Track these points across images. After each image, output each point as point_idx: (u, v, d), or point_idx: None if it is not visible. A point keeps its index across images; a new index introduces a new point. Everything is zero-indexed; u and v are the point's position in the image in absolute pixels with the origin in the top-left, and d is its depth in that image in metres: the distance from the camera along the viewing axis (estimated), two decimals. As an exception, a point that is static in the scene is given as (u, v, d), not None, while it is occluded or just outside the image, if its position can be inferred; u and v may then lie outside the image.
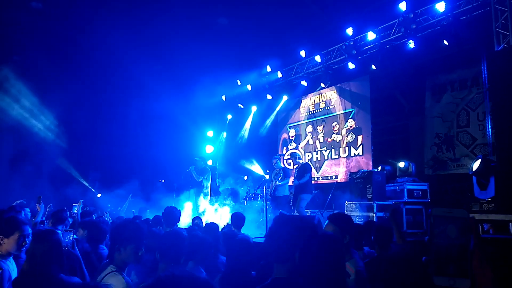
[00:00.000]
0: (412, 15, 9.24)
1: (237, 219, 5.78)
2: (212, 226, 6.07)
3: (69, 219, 5.75)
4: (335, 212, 3.83)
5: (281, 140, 14.56)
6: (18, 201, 7.81)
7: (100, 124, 14.73)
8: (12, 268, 2.92)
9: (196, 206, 10.62)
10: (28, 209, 7.08)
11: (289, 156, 10.92)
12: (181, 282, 1.07)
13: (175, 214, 4.87)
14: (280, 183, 10.01)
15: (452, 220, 0.90)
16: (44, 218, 6.05)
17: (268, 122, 14.97)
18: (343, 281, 2.17)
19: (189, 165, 11.13)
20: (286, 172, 10.32)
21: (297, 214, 8.83)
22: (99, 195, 14.40)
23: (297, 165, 9.67)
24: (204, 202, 10.68)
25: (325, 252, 1.88)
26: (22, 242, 2.92)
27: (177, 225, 5.01)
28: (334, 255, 2.04)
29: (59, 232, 3.12)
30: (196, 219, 6.45)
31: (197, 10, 13.05)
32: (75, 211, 7.10)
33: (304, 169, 9.20)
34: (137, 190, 13.32)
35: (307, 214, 9.39)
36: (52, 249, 2.63)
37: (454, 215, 0.90)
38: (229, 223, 6.07)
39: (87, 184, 14.75)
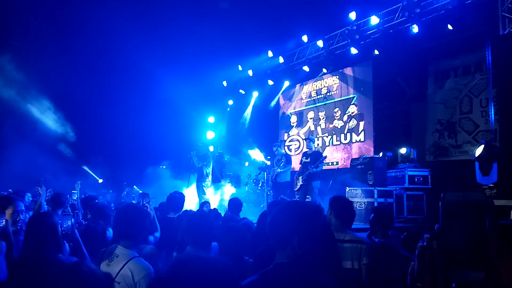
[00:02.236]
0: (416, -1, 9.10)
1: (234, 205, 5.77)
2: (214, 212, 6.10)
3: (68, 208, 5.71)
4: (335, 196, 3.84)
5: (283, 126, 14.51)
6: (10, 190, 7.80)
7: (101, 109, 14.66)
8: None
9: (199, 192, 10.63)
10: (29, 194, 7.07)
11: (305, 139, 10.82)
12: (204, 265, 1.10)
13: (180, 199, 4.86)
14: (282, 170, 9.97)
15: (467, 205, 0.78)
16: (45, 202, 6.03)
17: (269, 108, 14.90)
18: (339, 262, 2.19)
19: (190, 150, 11.11)
20: (288, 159, 10.29)
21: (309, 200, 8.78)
22: (100, 180, 14.43)
23: (308, 150, 9.52)
24: (208, 189, 10.69)
25: (322, 237, 1.90)
26: (17, 218, 3.05)
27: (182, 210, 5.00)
28: (328, 239, 2.06)
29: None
30: (205, 204, 6.47)
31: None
32: (75, 198, 7.09)
33: (318, 157, 9.09)
34: (138, 175, 13.35)
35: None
36: (47, 231, 2.65)
37: (470, 199, 0.78)
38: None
39: (88, 170, 14.76)
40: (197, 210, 3.89)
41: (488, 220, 0.77)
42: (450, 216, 0.79)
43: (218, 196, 11.63)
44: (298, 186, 9.23)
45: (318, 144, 12.75)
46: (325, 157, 9.75)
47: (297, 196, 9.26)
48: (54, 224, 2.75)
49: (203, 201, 8.86)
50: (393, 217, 3.92)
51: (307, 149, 9.47)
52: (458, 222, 0.78)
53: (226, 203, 11.26)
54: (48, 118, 13.78)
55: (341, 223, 3.37)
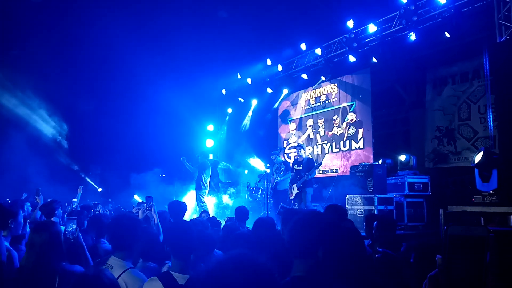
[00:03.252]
0: (413, 7, 9.16)
1: (241, 213, 5.75)
2: (213, 220, 6.09)
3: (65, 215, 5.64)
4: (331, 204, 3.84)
5: (282, 134, 14.53)
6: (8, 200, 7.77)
7: (101, 118, 14.69)
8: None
9: (197, 201, 10.60)
10: (28, 204, 7.05)
11: (295, 146, 10.78)
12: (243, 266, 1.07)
13: (181, 208, 4.86)
14: (281, 178, 9.97)
15: (469, 240, 0.82)
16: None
17: (269, 115, 14.92)
18: (367, 266, 2.15)
19: (192, 158, 11.10)
20: (287, 166, 10.29)
21: (304, 208, 8.77)
22: (99, 189, 14.39)
23: (298, 158, 9.54)
24: (206, 197, 10.67)
25: (348, 246, 1.88)
26: (23, 224, 3.35)
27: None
28: (356, 248, 2.04)
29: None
30: (203, 213, 6.46)
31: (197, 3, 12.97)
32: (74, 206, 7.05)
33: (312, 164, 9.12)
34: (137, 184, 13.32)
35: (315, 207, 9.33)
36: (51, 239, 2.66)
37: (472, 234, 0.82)
38: (231, 216, 6.09)
39: (87, 179, 14.73)
40: (178, 221, 3.86)
41: (489, 254, 0.80)
42: (453, 249, 0.82)
43: (214, 205, 11.62)
44: (293, 195, 9.22)
45: (317, 152, 12.77)
46: (320, 163, 9.76)
47: (296, 204, 9.25)
48: (58, 232, 2.76)
49: (202, 210, 8.84)
50: (395, 224, 3.93)
51: (298, 156, 9.50)
52: (460, 256, 0.82)
53: (221, 211, 11.27)
54: (46, 127, 13.78)
55: None
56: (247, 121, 15.36)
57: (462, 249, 0.81)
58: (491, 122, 8.54)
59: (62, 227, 2.98)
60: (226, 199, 11.97)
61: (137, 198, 12.96)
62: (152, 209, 4.11)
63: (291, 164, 9.93)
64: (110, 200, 12.73)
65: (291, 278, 1.63)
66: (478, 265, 0.80)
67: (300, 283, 1.60)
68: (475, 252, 0.80)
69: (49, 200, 6.86)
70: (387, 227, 3.72)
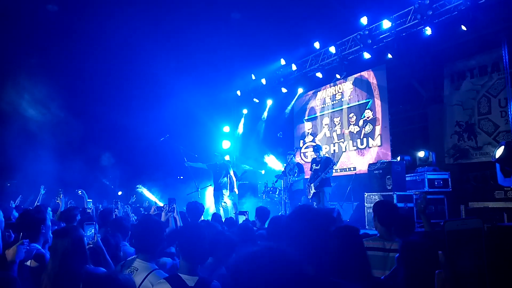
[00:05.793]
0: (428, 1, 9.03)
1: (262, 213, 5.76)
2: (231, 221, 6.12)
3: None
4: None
5: (298, 133, 14.50)
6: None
7: (116, 120, 14.85)
8: None
9: (217, 201, 10.65)
10: (50, 209, 7.20)
11: (313, 147, 10.76)
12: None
13: (199, 209, 4.91)
14: (296, 179, 9.99)
15: (466, 233, 0.84)
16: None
17: (284, 115, 14.90)
18: (368, 272, 2.14)
19: (207, 160, 11.13)
20: (300, 168, 10.32)
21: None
22: (119, 193, 14.58)
23: (316, 157, 9.55)
24: (227, 198, 10.72)
25: (342, 245, 1.88)
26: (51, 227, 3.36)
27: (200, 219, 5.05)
28: (353, 246, 2.03)
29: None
30: (216, 215, 6.48)
31: (212, 4, 13.02)
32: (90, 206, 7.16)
33: (329, 163, 9.11)
34: (156, 186, 13.45)
35: (333, 206, 9.32)
36: (74, 244, 2.69)
37: (469, 226, 0.84)
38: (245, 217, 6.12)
39: (107, 182, 14.94)
40: (191, 223, 3.88)
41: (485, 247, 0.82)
42: (452, 244, 0.83)
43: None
44: (311, 194, 9.27)
45: (334, 150, 12.69)
46: (335, 163, 9.75)
47: (314, 203, 9.26)
48: (81, 237, 2.80)
49: (215, 212, 8.90)
50: (414, 221, 3.87)
51: (315, 156, 9.53)
52: (460, 249, 0.83)
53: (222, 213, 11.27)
54: (64, 131, 13.99)
55: (388, 230, 3.21)
56: (262, 121, 15.37)
57: (460, 243, 0.83)
58: (513, 115, 8.35)
59: None
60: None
61: (154, 199, 13.08)
62: (175, 211, 4.15)
63: (310, 164, 9.93)
64: (130, 202, 12.86)
65: None
66: (478, 256, 0.82)
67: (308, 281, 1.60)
68: (473, 244, 0.83)
69: (70, 202, 7.00)
70: (406, 227, 3.64)
